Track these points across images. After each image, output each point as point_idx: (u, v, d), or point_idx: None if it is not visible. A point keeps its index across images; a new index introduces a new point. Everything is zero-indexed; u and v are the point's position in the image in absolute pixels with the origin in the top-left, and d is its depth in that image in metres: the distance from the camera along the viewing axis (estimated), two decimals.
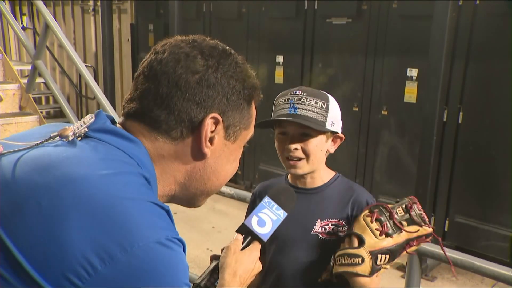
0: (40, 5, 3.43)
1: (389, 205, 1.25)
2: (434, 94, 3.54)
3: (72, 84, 7.71)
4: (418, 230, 1.23)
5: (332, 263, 1.25)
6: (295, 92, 1.30)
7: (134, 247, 0.62)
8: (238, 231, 1.05)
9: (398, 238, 1.22)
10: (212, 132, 0.79)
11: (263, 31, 5.00)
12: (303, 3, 4.63)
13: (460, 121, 3.73)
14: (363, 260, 1.20)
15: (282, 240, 1.34)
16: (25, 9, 8.43)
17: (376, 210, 1.24)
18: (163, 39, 0.84)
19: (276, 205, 1.07)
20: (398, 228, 1.22)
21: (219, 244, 1.10)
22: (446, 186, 3.85)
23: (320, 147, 1.31)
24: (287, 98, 1.30)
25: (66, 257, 0.60)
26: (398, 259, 1.76)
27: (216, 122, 0.79)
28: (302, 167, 1.31)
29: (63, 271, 0.60)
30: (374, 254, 1.20)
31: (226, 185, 3.08)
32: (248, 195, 2.44)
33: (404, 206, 1.26)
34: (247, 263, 1.01)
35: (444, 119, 3.74)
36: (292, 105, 1.28)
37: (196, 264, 3.62)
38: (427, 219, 1.26)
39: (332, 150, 1.36)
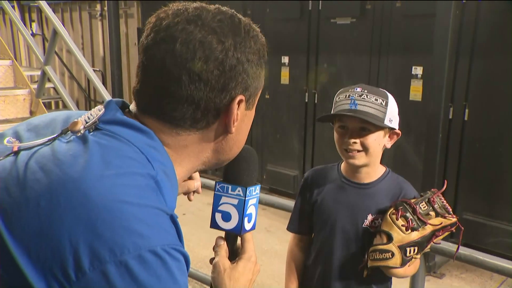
0: (49, 11, 3.50)
1: (413, 200, 1.33)
2: (439, 91, 3.54)
3: (80, 89, 7.81)
4: (442, 222, 1.32)
5: (366, 257, 1.35)
6: (356, 89, 1.37)
7: (124, 254, 0.60)
8: (218, 237, 0.92)
9: (424, 231, 1.31)
10: (237, 112, 0.77)
11: (268, 32, 5.01)
12: (307, 3, 4.66)
13: (466, 118, 3.73)
14: (393, 255, 1.29)
15: (335, 230, 1.44)
16: (34, 16, 8.55)
17: (401, 207, 1.32)
18: (157, 13, 0.77)
19: (230, 186, 0.89)
20: (423, 222, 1.31)
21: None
22: (453, 184, 3.85)
23: (378, 141, 1.37)
24: (348, 94, 1.37)
25: (58, 257, 0.60)
26: None
27: (240, 102, 0.77)
28: (360, 158, 1.38)
29: (53, 271, 0.60)
30: (403, 248, 1.29)
31: None
32: None
33: (427, 200, 1.33)
34: (243, 277, 0.89)
35: (450, 117, 3.75)
36: (353, 101, 1.34)
37: (205, 264, 3.65)
38: (450, 210, 1.35)
39: (388, 146, 1.43)
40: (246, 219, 0.89)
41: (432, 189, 1.37)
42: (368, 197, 1.43)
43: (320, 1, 4.55)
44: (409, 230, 1.30)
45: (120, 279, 0.60)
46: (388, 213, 1.34)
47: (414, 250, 1.31)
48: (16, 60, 4.17)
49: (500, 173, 3.61)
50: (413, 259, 1.33)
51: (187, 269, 0.68)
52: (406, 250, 1.30)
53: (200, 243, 3.93)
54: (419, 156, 4.01)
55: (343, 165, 1.49)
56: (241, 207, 0.88)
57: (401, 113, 4.60)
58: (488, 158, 3.69)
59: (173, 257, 0.64)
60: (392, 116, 1.37)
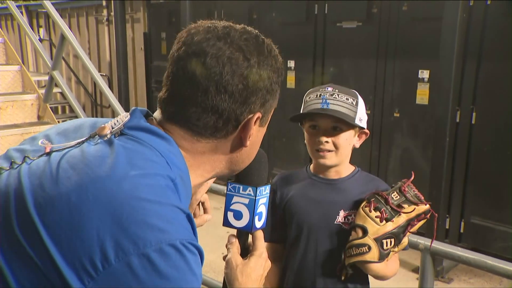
0: (57, 16, 3.53)
1: (384, 192, 1.32)
2: (446, 95, 3.53)
3: (87, 93, 7.86)
4: (414, 209, 1.29)
5: (343, 256, 1.32)
6: (327, 88, 1.38)
7: (147, 247, 0.66)
8: (231, 235, 0.98)
9: (398, 221, 1.29)
10: (253, 127, 0.84)
11: (274, 36, 4.94)
12: (313, 7, 4.66)
13: (473, 122, 3.71)
14: (369, 248, 1.26)
15: (306, 227, 1.41)
16: (41, 21, 8.63)
17: (373, 199, 1.31)
18: (188, 28, 0.84)
19: (241, 186, 0.95)
20: (396, 212, 1.29)
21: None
22: (460, 187, 3.83)
23: (349, 141, 1.39)
24: (319, 94, 1.38)
25: (86, 248, 0.66)
26: (413, 260, 1.77)
27: (258, 119, 0.84)
28: (331, 158, 1.38)
29: (82, 260, 0.66)
30: (379, 240, 1.27)
31: None
32: None
33: (398, 190, 1.32)
34: (255, 272, 0.96)
35: (457, 120, 3.73)
36: (324, 100, 1.35)
37: (212, 268, 3.65)
38: (422, 197, 1.33)
39: (357, 145, 1.43)
40: (256, 218, 0.95)
41: (403, 180, 1.35)
42: (339, 192, 1.42)
43: (326, 5, 4.55)
44: (384, 221, 1.28)
45: (143, 269, 0.66)
46: (361, 206, 1.32)
47: (391, 242, 1.29)
48: (24, 65, 4.18)
49: (508, 176, 3.58)
50: (391, 253, 1.30)
51: (202, 263, 0.74)
52: (382, 243, 1.27)
53: (206, 248, 3.90)
54: (426, 160, 3.99)
55: (312, 166, 1.49)
56: (252, 206, 0.93)
57: (408, 117, 4.59)
58: (496, 162, 3.66)
59: (190, 250, 0.70)
60: (361, 115, 1.38)
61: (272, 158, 5.31)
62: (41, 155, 0.79)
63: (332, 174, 1.44)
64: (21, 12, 8.34)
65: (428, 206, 1.31)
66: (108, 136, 0.79)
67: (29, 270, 0.68)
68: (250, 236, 0.99)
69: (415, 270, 3.64)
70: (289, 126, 5.03)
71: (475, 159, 3.76)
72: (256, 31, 0.85)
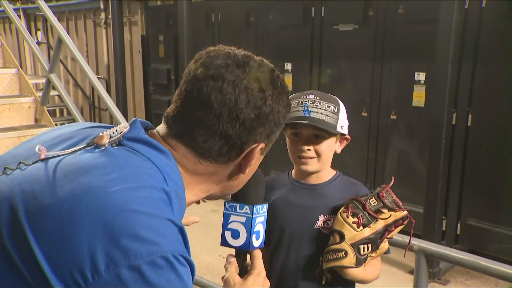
0: (54, 20, 3.53)
1: (363, 198, 1.33)
2: (442, 97, 3.55)
3: (85, 96, 7.86)
4: (391, 215, 1.30)
5: (321, 261, 1.33)
6: (309, 96, 1.37)
7: (138, 259, 0.66)
8: (230, 254, 0.99)
9: (376, 227, 1.29)
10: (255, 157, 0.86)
11: (271, 39, 5.06)
12: (310, 10, 4.68)
13: (469, 124, 3.72)
14: (346, 253, 1.27)
15: (288, 231, 1.41)
16: (39, 25, 8.64)
17: (351, 204, 1.32)
18: (207, 50, 0.84)
19: (238, 205, 0.97)
20: (374, 218, 1.29)
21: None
22: (457, 189, 3.84)
23: (331, 147, 1.39)
24: (300, 101, 1.37)
25: (76, 258, 0.65)
26: (410, 262, 1.77)
27: (261, 148, 0.86)
28: (313, 165, 1.39)
29: (71, 271, 0.65)
30: (355, 246, 1.28)
31: None
32: None
33: (376, 195, 1.33)
34: None
35: (453, 122, 3.74)
36: (306, 108, 1.34)
37: (209, 270, 3.65)
38: (400, 203, 1.33)
39: (338, 151, 1.44)
40: (254, 236, 0.95)
41: (382, 185, 1.36)
42: (319, 197, 1.42)
43: (323, 7, 4.57)
44: (361, 227, 1.28)
45: (134, 281, 0.66)
46: (339, 211, 1.33)
47: (368, 247, 1.29)
48: (21, 68, 4.19)
49: (504, 178, 3.59)
50: (368, 258, 1.31)
51: (193, 276, 0.74)
52: (359, 248, 1.28)
53: (204, 250, 3.93)
54: (423, 162, 4.00)
55: (293, 171, 1.49)
56: (249, 225, 0.94)
57: (404, 119, 4.61)
58: (492, 164, 3.68)
59: (181, 263, 0.70)
60: (343, 122, 1.38)
61: (269, 160, 5.31)
62: (36, 161, 0.78)
63: (313, 180, 1.44)
64: (19, 15, 8.36)
65: (405, 212, 1.31)
66: (106, 146, 0.78)
67: (16, 280, 0.67)
68: (248, 256, 0.99)
69: (411, 271, 3.65)
70: None
71: (471, 161, 3.77)
72: (272, 65, 0.87)
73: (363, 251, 1.28)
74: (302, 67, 4.84)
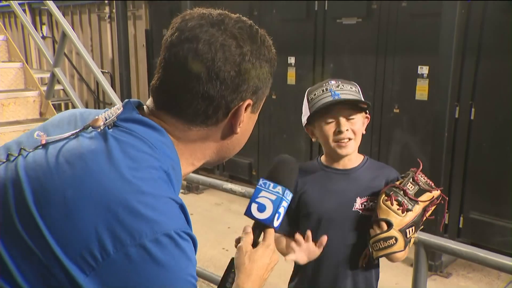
0: (58, 14, 3.56)
1: (400, 183, 1.39)
2: (445, 91, 3.55)
3: (90, 90, 7.90)
4: (429, 196, 1.38)
5: (370, 250, 1.39)
6: (330, 81, 1.44)
7: (143, 237, 0.69)
8: (248, 225, 1.04)
9: (417, 209, 1.37)
10: (244, 114, 0.85)
11: (275, 33, 4.98)
12: (313, 4, 4.68)
13: (472, 118, 3.72)
14: (396, 240, 1.34)
15: (325, 218, 1.47)
16: (44, 19, 8.66)
17: (392, 192, 1.38)
18: (183, 15, 0.83)
19: (272, 184, 1.01)
20: (415, 201, 1.36)
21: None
22: (459, 183, 3.85)
23: (362, 126, 1.46)
24: (324, 88, 1.43)
25: (84, 240, 0.69)
26: (411, 255, 1.82)
27: (248, 106, 0.85)
28: (351, 146, 1.45)
29: (82, 252, 0.69)
30: (403, 231, 1.35)
31: (238, 184, 3.14)
32: None
33: (412, 179, 1.39)
34: (261, 260, 1.00)
35: (456, 116, 3.74)
36: (333, 92, 1.40)
37: (213, 263, 3.69)
38: (432, 184, 1.41)
39: (364, 131, 1.49)
40: (276, 216, 0.99)
41: (411, 169, 1.44)
42: (354, 181, 1.48)
43: (326, 1, 4.57)
44: (405, 212, 1.35)
45: (141, 259, 0.69)
46: (381, 200, 1.38)
47: (412, 230, 1.37)
48: (27, 62, 4.24)
49: (507, 172, 3.59)
50: (412, 239, 1.39)
51: (195, 249, 0.77)
52: (406, 232, 1.35)
53: (207, 243, 3.96)
54: (426, 156, 4.01)
55: (323, 157, 1.54)
56: (277, 203, 0.99)
57: (407, 113, 4.60)
58: (494, 157, 3.68)
59: (184, 239, 0.73)
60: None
61: (272, 154, 5.33)
62: (37, 147, 0.80)
63: (345, 164, 1.50)
64: (24, 10, 8.39)
65: (439, 191, 1.39)
66: (102, 128, 0.80)
67: (31, 263, 0.70)
68: (262, 234, 1.04)
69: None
70: (289, 122, 5.06)
71: (474, 155, 3.77)
72: (251, 21, 0.85)
73: (409, 234, 1.36)
74: (305, 61, 4.84)
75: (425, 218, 1.40)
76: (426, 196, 1.37)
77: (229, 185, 2.58)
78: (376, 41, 4.25)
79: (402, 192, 1.37)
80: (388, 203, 1.36)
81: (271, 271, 1.04)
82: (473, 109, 3.71)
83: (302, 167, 1.54)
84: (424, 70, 3.94)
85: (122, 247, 0.68)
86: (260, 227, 1.02)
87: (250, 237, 1.01)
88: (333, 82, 1.43)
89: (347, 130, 1.41)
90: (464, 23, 3.53)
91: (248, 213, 1.01)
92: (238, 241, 1.04)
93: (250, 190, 2.57)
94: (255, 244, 1.02)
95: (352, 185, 1.47)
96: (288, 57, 4.94)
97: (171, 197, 0.76)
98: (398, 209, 1.35)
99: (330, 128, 1.43)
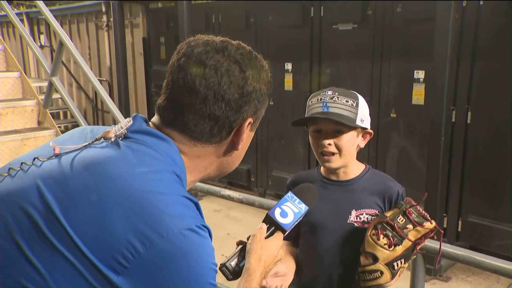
0: (55, 23, 3.58)
1: (389, 215, 1.35)
2: (440, 95, 3.56)
3: (88, 99, 7.92)
4: (420, 232, 1.33)
5: (356, 277, 1.38)
6: (327, 92, 1.42)
7: (169, 233, 0.75)
8: (264, 221, 1.15)
9: (406, 244, 1.33)
10: (245, 132, 0.93)
11: (271, 39, 5.08)
12: (309, 10, 4.71)
13: (469, 121, 3.74)
14: (382, 273, 1.32)
15: (320, 228, 1.46)
16: (42, 28, 8.70)
17: (379, 226, 1.34)
18: (187, 41, 0.91)
19: (298, 199, 1.16)
20: (403, 238, 1.32)
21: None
22: (457, 186, 3.85)
23: (352, 142, 1.42)
24: (319, 98, 1.42)
25: (114, 243, 0.74)
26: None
27: (249, 124, 0.93)
28: (336, 161, 1.42)
29: (112, 254, 0.74)
30: (390, 265, 1.32)
31: (236, 190, 3.16)
32: (256, 199, 2.50)
33: (402, 213, 1.35)
34: (271, 250, 1.09)
35: (453, 120, 3.76)
36: (325, 104, 1.39)
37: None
38: (427, 216, 1.35)
39: (362, 145, 1.47)
40: (292, 225, 1.14)
41: (405, 199, 1.39)
42: (350, 193, 1.46)
43: (322, 7, 4.60)
44: (392, 247, 1.32)
45: (169, 253, 0.75)
46: (369, 233, 1.35)
47: (401, 262, 1.34)
48: (25, 71, 4.26)
49: (504, 175, 3.61)
50: (401, 269, 1.35)
51: (211, 238, 0.84)
52: (394, 265, 1.32)
53: None
54: (423, 160, 4.02)
55: (322, 167, 1.53)
56: (298, 216, 1.15)
57: (404, 117, 4.61)
58: (491, 160, 3.69)
59: (203, 230, 0.81)
60: (363, 116, 1.41)
61: (270, 160, 5.34)
62: (50, 157, 0.85)
63: (341, 175, 1.48)
64: (22, 20, 8.42)
65: (434, 224, 1.34)
66: (113, 139, 0.86)
67: (61, 266, 0.74)
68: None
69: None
70: (287, 128, 5.07)
71: (471, 158, 3.79)
72: (250, 48, 0.93)
73: (397, 266, 1.33)
74: (302, 67, 4.87)
75: (415, 251, 1.36)
76: (416, 233, 1.33)
77: (227, 192, 2.59)
78: (372, 46, 4.28)
79: (390, 226, 1.33)
80: (375, 237, 1.33)
81: (274, 264, 1.13)
82: (469, 113, 3.73)
83: (302, 176, 1.56)
84: (420, 74, 3.96)
85: (150, 244, 0.74)
86: (274, 228, 1.13)
87: (264, 231, 1.12)
88: (329, 92, 1.41)
89: (329, 144, 1.40)
90: (459, 28, 3.55)
91: (271, 213, 1.14)
92: (239, 243, 1.14)
93: (248, 196, 2.57)
94: (266, 238, 1.12)
95: (348, 197, 1.45)
96: (285, 63, 4.97)
97: (186, 196, 0.83)
98: (385, 244, 1.32)
99: (316, 139, 1.43)
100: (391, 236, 1.31)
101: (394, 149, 4.31)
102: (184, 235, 0.76)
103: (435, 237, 1.44)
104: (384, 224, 1.34)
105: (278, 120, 5.08)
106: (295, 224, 1.15)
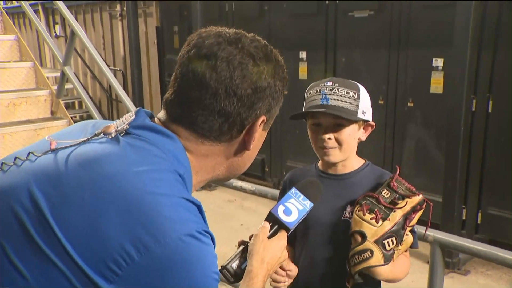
0: (67, 13, 3.56)
1: (375, 192, 1.28)
2: (461, 83, 3.45)
3: (102, 89, 7.94)
4: (407, 202, 1.25)
5: (348, 266, 1.27)
6: (326, 83, 1.33)
7: (167, 239, 0.68)
8: (266, 219, 1.09)
9: (395, 217, 1.24)
10: (257, 131, 0.86)
11: (285, 28, 4.99)
12: None
13: (490, 110, 3.62)
14: (372, 252, 1.21)
15: (314, 224, 1.38)
16: (57, 18, 8.73)
17: (364, 201, 1.27)
18: (198, 32, 0.85)
19: (302, 196, 1.10)
20: (390, 209, 1.24)
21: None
22: (477, 178, 3.75)
23: (353, 135, 1.34)
24: (318, 89, 1.33)
25: (106, 248, 0.67)
26: (427, 251, 1.70)
27: (262, 122, 0.86)
28: (336, 155, 1.35)
29: (104, 260, 0.67)
30: (379, 242, 1.22)
31: (249, 181, 3.12)
32: (269, 190, 2.46)
33: (387, 186, 1.28)
34: (274, 251, 1.04)
35: (473, 109, 3.64)
36: (324, 96, 1.30)
37: (223, 259, 3.66)
38: (414, 189, 1.28)
39: (363, 138, 1.39)
40: (295, 223, 1.09)
41: (390, 175, 1.31)
42: (347, 187, 1.38)
43: None
44: (380, 221, 1.23)
45: (166, 260, 0.68)
46: (354, 211, 1.28)
47: (392, 241, 1.23)
48: (41, 61, 4.25)
49: None
50: (396, 253, 1.26)
51: (214, 245, 0.78)
52: (384, 244, 1.22)
53: (219, 240, 3.91)
54: (441, 150, 3.92)
55: (320, 162, 1.45)
56: (303, 213, 1.09)
57: (421, 107, 4.50)
58: None
59: (205, 236, 0.74)
60: (365, 108, 1.33)
61: (285, 150, 5.28)
62: (46, 152, 0.79)
63: (340, 169, 1.41)
64: (38, 10, 8.47)
65: (421, 196, 1.26)
66: (113, 134, 0.80)
67: (50, 272, 0.68)
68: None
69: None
70: (301, 119, 5.00)
71: (491, 149, 3.67)
72: (265, 41, 0.87)
73: (389, 246, 1.23)
74: (317, 56, 4.77)
75: (407, 228, 1.26)
76: (403, 202, 1.24)
77: (239, 183, 2.55)
78: (388, 34, 4.16)
79: (375, 200, 1.25)
80: (360, 213, 1.25)
81: (278, 266, 1.08)
82: (490, 102, 3.60)
83: (299, 171, 1.50)
84: (439, 62, 3.84)
85: (146, 250, 0.67)
86: (277, 226, 1.07)
87: (267, 230, 1.06)
88: (329, 83, 1.31)
89: (329, 138, 1.32)
90: (481, 13, 3.42)
91: (274, 211, 1.08)
92: (240, 243, 1.07)
93: (260, 188, 2.53)
94: (269, 238, 1.07)
95: (344, 192, 1.37)
96: (300, 52, 4.88)
97: (188, 199, 0.76)
98: (371, 219, 1.23)
99: (315, 132, 1.36)
100: (377, 211, 1.23)
101: (411, 140, 4.20)
102: (183, 241, 0.70)
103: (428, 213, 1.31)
104: (369, 199, 1.27)
105: (292, 109, 4.99)
106: (300, 222, 1.09)
